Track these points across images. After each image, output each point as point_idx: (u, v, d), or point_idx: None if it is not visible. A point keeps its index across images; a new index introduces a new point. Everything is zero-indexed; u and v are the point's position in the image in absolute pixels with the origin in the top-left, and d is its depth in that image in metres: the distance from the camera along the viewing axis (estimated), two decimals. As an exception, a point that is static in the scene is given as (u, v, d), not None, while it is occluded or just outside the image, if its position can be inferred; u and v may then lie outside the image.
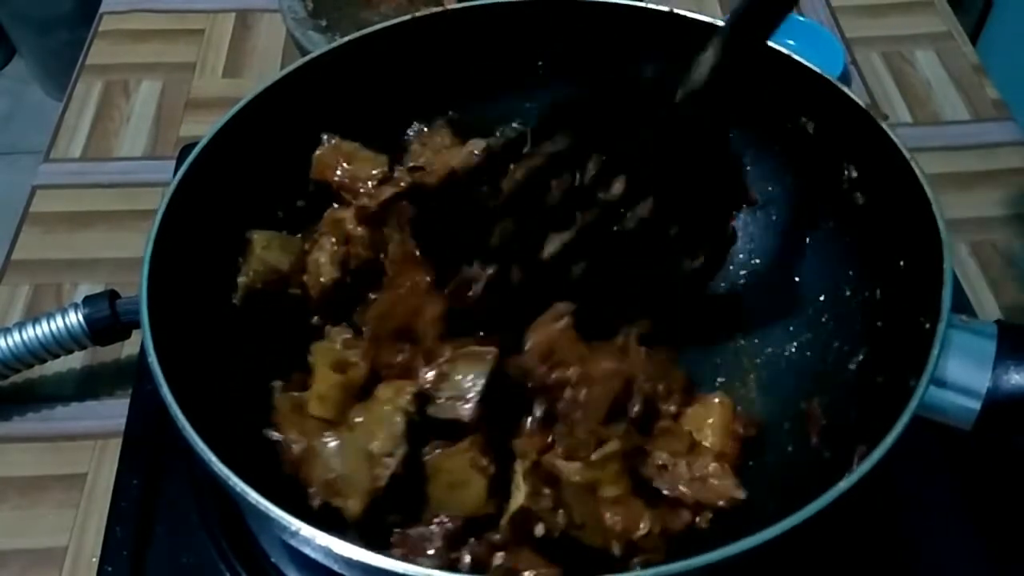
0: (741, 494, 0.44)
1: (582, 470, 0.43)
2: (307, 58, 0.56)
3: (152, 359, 0.41)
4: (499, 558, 0.41)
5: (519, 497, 0.41)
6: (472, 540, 0.42)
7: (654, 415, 0.47)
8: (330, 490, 0.43)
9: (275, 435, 0.45)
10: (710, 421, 0.47)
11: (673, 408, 0.48)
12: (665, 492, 0.44)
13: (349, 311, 0.53)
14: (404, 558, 0.40)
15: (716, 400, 0.48)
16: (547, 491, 0.42)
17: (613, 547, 0.41)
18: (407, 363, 0.46)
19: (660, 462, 0.45)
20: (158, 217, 0.47)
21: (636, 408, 0.45)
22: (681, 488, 0.44)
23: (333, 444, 0.44)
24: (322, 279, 0.52)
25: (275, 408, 0.47)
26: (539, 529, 0.41)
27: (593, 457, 0.43)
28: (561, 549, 0.41)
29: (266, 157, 0.54)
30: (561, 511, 0.41)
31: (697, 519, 0.44)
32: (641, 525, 0.42)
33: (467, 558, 0.41)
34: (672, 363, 0.50)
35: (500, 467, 0.43)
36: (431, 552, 0.41)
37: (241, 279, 0.51)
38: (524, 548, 0.41)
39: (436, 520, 0.42)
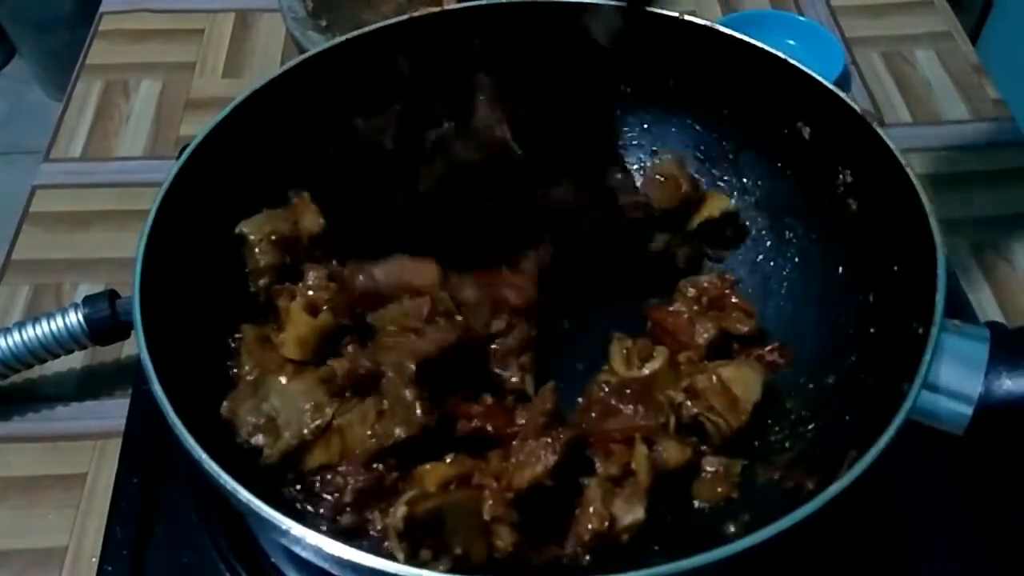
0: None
1: None
2: (302, 57, 0.56)
3: (144, 356, 0.41)
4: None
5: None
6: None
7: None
8: (259, 428, 0.45)
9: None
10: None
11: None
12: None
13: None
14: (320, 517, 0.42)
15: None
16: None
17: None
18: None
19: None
20: (151, 216, 0.47)
21: None
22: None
23: (281, 381, 0.46)
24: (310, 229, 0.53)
25: (241, 338, 0.49)
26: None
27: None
28: None
29: (261, 156, 0.54)
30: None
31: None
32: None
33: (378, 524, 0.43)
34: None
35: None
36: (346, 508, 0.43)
37: (261, 282, 0.52)
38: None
39: (343, 472, 0.44)
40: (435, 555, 0.40)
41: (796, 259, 0.56)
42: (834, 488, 0.36)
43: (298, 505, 0.45)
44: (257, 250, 0.52)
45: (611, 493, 0.44)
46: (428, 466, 0.45)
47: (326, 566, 0.38)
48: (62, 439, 0.57)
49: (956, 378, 0.40)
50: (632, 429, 0.46)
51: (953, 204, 0.69)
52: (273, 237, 0.52)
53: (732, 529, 0.44)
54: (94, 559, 0.51)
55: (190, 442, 0.39)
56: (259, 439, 0.45)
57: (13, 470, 0.56)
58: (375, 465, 0.45)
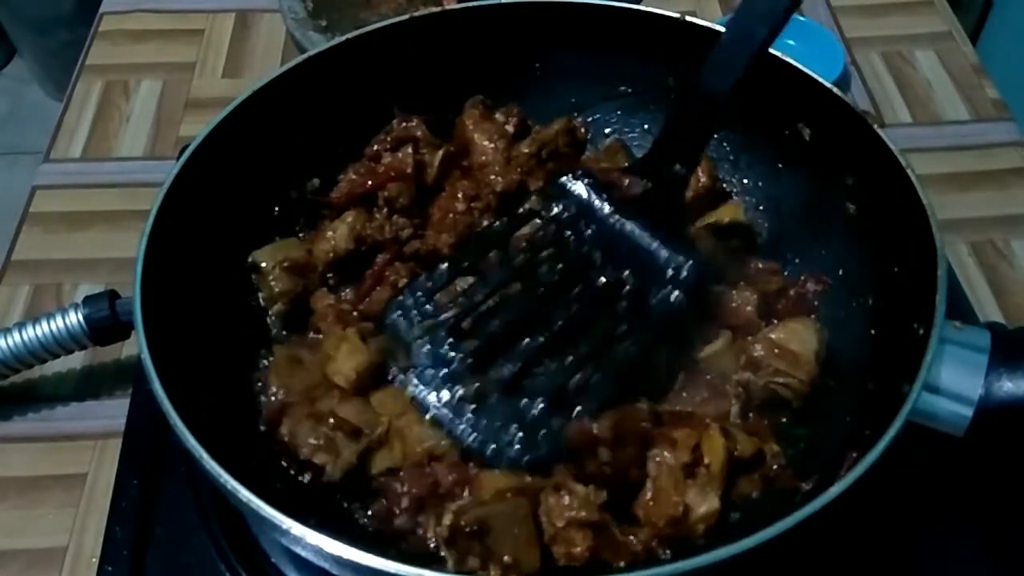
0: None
1: None
2: (302, 57, 0.56)
3: (145, 356, 0.41)
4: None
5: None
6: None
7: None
8: (319, 448, 0.44)
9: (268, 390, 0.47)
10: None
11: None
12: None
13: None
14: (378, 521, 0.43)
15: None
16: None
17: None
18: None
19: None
20: (151, 216, 0.47)
21: None
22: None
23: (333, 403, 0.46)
24: (332, 253, 0.54)
25: (272, 356, 0.49)
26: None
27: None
28: None
29: (261, 155, 0.54)
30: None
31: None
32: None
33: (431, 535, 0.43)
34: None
35: None
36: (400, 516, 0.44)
37: (276, 308, 0.52)
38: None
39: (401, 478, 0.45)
40: (483, 563, 0.41)
41: (796, 260, 0.56)
42: (835, 489, 0.36)
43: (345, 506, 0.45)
44: (271, 278, 0.52)
45: (683, 483, 0.43)
46: (487, 473, 0.44)
47: (326, 566, 0.38)
48: (62, 439, 0.57)
49: (956, 380, 0.40)
50: (701, 416, 0.46)
51: (953, 204, 0.69)
52: (286, 264, 0.52)
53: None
54: (94, 559, 0.51)
55: (191, 442, 0.39)
56: (320, 458, 0.45)
57: (13, 470, 0.56)
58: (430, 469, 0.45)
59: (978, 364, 0.40)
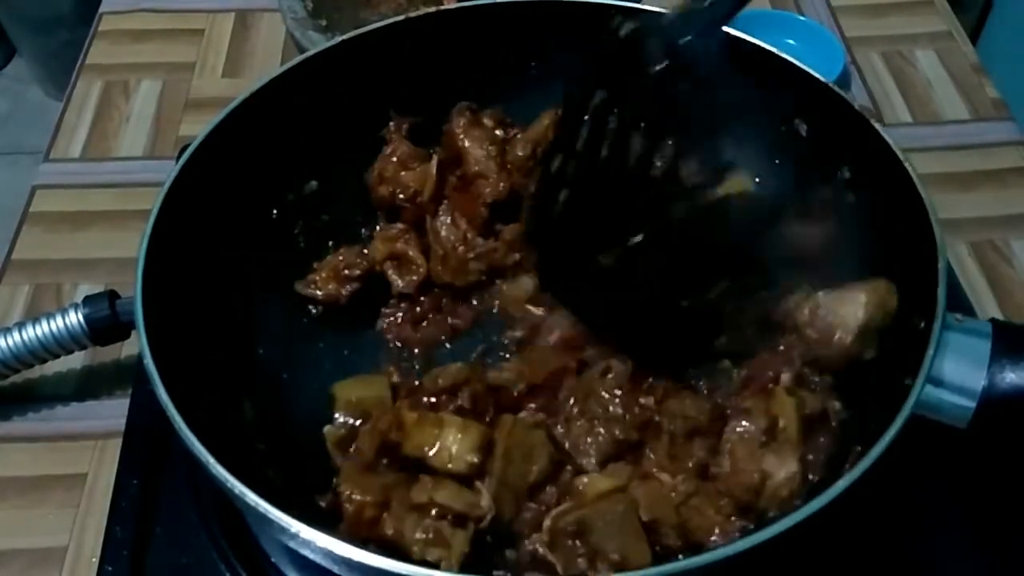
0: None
1: None
2: (302, 57, 0.56)
3: (147, 358, 0.41)
4: None
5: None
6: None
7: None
8: (430, 543, 0.41)
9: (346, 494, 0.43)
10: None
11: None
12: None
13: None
14: None
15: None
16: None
17: None
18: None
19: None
20: (152, 217, 0.47)
21: None
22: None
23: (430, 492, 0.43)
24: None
25: (340, 471, 0.45)
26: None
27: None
28: None
29: (261, 155, 0.54)
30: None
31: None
32: None
33: None
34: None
35: None
36: None
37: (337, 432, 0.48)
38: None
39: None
40: (591, 563, 0.40)
41: (794, 256, 0.56)
42: (842, 483, 0.36)
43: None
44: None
45: (758, 451, 0.43)
46: (586, 479, 0.44)
47: (335, 568, 0.38)
48: (62, 439, 0.57)
49: (959, 372, 0.40)
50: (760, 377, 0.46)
51: (953, 204, 0.69)
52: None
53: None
54: (94, 559, 0.51)
55: (196, 446, 0.39)
56: (434, 554, 0.41)
57: (13, 470, 0.56)
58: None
59: (980, 356, 0.40)
